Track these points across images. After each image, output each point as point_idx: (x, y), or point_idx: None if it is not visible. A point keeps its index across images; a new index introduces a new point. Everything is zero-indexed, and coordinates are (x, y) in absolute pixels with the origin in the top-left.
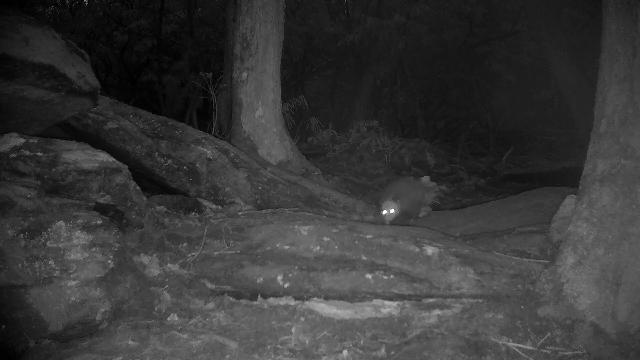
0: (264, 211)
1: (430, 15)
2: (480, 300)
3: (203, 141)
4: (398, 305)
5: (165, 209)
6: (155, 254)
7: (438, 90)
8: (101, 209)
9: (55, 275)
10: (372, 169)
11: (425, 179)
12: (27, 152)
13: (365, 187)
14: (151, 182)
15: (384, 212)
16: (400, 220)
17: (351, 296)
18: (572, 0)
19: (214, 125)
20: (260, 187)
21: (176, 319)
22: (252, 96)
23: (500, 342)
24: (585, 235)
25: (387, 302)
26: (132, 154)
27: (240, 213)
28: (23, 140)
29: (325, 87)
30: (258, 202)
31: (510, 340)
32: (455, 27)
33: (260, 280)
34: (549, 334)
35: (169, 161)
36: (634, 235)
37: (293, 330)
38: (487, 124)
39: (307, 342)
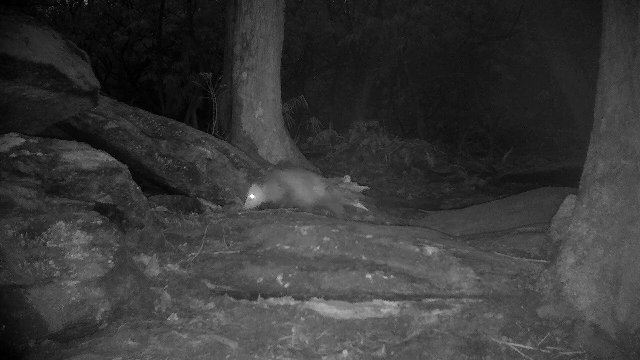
0: (264, 211)
1: (430, 15)
2: (480, 300)
3: (203, 141)
4: (398, 305)
5: (165, 209)
6: (155, 254)
7: (438, 90)
8: (101, 209)
9: (55, 275)
10: (372, 169)
11: (345, 178)
12: (27, 152)
13: None
14: (151, 182)
15: (248, 197)
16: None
17: (351, 296)
18: (572, 0)
19: (214, 125)
20: None
21: (176, 319)
22: (252, 96)
23: (500, 342)
24: (585, 235)
25: (387, 302)
26: (132, 154)
27: (240, 213)
28: (23, 140)
29: (325, 87)
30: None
31: (510, 340)
32: (455, 27)
33: (260, 280)
34: (549, 334)
35: (169, 161)
36: (634, 235)
37: (293, 330)
38: (487, 124)
39: (307, 342)
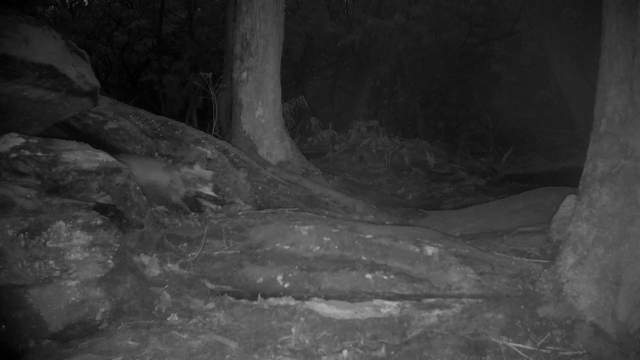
0: (264, 211)
1: (430, 15)
2: (480, 300)
3: (203, 141)
4: (398, 305)
5: (165, 209)
6: (155, 254)
7: (438, 90)
8: (101, 209)
9: (55, 275)
10: (372, 169)
11: (194, 165)
12: (27, 152)
13: (365, 187)
14: None
15: None
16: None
17: (351, 296)
18: (572, 0)
19: (214, 125)
20: (260, 187)
21: (176, 319)
22: (252, 96)
23: (500, 342)
24: (585, 235)
25: (387, 302)
26: (132, 154)
27: (240, 213)
28: (23, 140)
29: (325, 87)
30: (258, 202)
31: (510, 340)
32: (455, 27)
33: (260, 280)
34: (549, 334)
35: (169, 161)
36: (634, 235)
37: (293, 330)
38: (487, 124)
39: (307, 342)
